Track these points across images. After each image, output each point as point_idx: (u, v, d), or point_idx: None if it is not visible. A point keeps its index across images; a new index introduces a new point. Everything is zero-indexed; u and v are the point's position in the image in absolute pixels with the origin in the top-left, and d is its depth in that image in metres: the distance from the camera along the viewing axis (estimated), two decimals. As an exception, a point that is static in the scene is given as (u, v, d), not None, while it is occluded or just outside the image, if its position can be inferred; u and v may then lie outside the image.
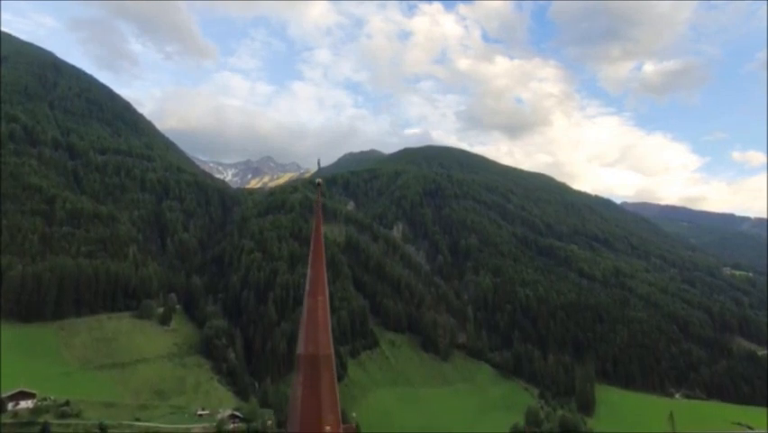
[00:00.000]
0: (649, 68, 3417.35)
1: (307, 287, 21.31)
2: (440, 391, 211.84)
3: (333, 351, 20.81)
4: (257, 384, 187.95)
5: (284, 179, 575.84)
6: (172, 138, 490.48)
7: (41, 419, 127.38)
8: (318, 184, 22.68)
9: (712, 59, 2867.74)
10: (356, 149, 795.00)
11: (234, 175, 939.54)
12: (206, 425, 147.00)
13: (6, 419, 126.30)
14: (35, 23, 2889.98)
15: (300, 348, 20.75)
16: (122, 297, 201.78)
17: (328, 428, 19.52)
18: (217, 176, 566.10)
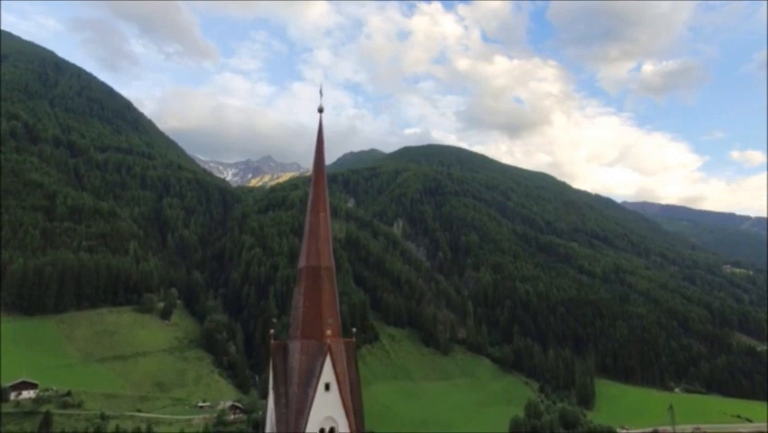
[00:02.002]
0: (648, 68, 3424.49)
1: (309, 205, 22.31)
2: (440, 385, 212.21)
3: (333, 264, 21.68)
4: (257, 377, 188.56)
5: (284, 178, 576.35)
6: (172, 138, 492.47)
7: (42, 409, 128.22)
8: (320, 110, 23.32)
9: (710, 60, 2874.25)
10: (356, 148, 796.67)
11: (235, 175, 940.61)
12: (207, 416, 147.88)
13: (9, 409, 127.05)
14: (37, 25, 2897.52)
15: (302, 261, 21.72)
16: (123, 291, 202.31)
17: (329, 332, 20.35)
18: (218, 175, 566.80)
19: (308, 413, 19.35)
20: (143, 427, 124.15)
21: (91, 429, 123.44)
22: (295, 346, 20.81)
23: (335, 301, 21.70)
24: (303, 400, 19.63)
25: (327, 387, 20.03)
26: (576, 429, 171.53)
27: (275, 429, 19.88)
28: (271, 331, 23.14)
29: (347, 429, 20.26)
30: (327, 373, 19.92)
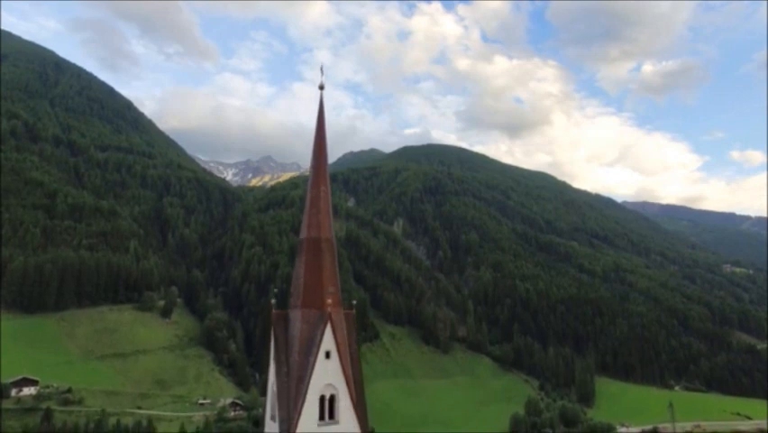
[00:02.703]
0: (648, 68, 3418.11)
1: (310, 179, 22.65)
2: (440, 383, 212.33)
3: (333, 236, 21.98)
4: (258, 375, 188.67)
5: (284, 178, 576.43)
6: (173, 138, 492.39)
7: (43, 406, 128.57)
8: (321, 87, 23.74)
9: (710, 60, 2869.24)
10: (356, 148, 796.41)
11: (235, 174, 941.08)
12: (208, 413, 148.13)
13: (10, 405, 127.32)
14: (38, 26, 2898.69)
15: (303, 233, 22.06)
16: (123, 289, 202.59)
17: (329, 301, 20.62)
18: (218, 175, 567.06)
19: (309, 380, 19.60)
20: (144, 423, 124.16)
21: (91, 426, 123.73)
22: (296, 315, 21.10)
23: (336, 272, 22.02)
24: (304, 368, 19.89)
25: (328, 355, 20.29)
26: (576, 427, 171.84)
27: (276, 398, 20.11)
28: (272, 300, 23.37)
29: (347, 397, 20.50)
30: (328, 341, 20.19)
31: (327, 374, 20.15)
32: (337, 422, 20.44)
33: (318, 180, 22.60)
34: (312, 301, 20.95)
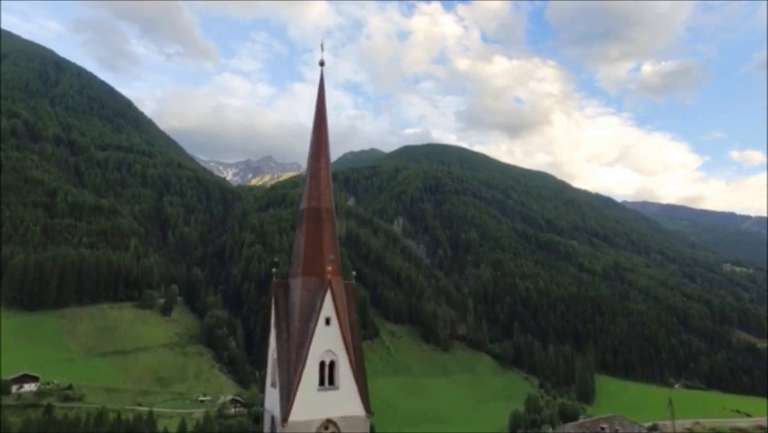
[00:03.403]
0: (647, 68, 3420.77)
1: (311, 151, 22.89)
2: (440, 381, 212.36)
3: (333, 207, 22.21)
4: (257, 373, 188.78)
5: (285, 177, 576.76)
6: (173, 138, 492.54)
7: (44, 402, 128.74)
8: (321, 63, 24.05)
9: (710, 60, 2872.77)
10: (356, 148, 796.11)
11: (235, 174, 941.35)
12: (208, 410, 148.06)
13: (11, 401, 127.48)
14: (39, 27, 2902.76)
15: (304, 203, 22.31)
16: (123, 287, 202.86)
17: (330, 268, 20.84)
18: (218, 175, 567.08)
19: (309, 346, 19.82)
20: (144, 418, 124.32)
21: (91, 422, 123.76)
22: (296, 283, 21.34)
23: (336, 242, 22.27)
24: (304, 334, 20.12)
25: (328, 321, 20.52)
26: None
27: (276, 364, 20.32)
28: (273, 269, 23.61)
29: (347, 364, 20.71)
30: (328, 308, 20.41)
31: (327, 340, 20.37)
32: (337, 388, 20.66)
33: (319, 152, 22.90)
34: (312, 269, 21.19)
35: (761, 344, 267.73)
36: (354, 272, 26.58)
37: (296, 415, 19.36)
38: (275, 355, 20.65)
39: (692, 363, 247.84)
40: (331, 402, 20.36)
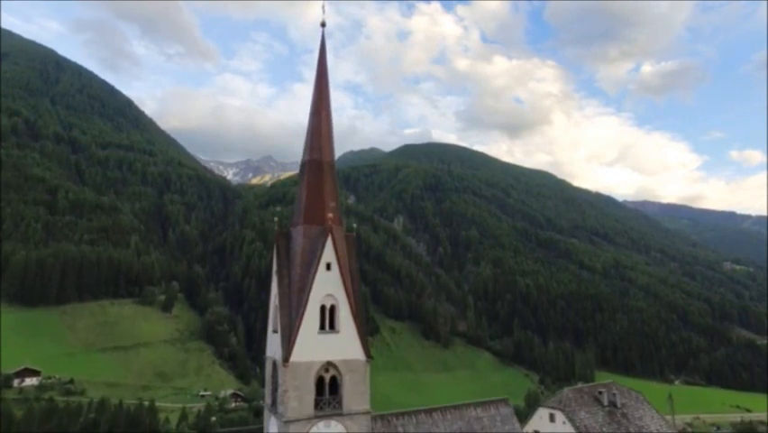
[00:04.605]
0: (647, 68, 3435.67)
1: (312, 106, 23.31)
2: (440, 377, 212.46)
3: (334, 160, 22.62)
4: (258, 369, 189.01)
5: (285, 177, 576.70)
6: (173, 137, 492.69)
7: (46, 396, 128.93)
8: (323, 24, 24.51)
9: (709, 60, 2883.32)
10: (356, 148, 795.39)
11: (235, 174, 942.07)
12: (209, 402, 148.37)
13: (13, 395, 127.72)
14: (40, 27, 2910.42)
15: (305, 156, 22.69)
16: (124, 284, 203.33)
17: (330, 215, 21.24)
18: (218, 174, 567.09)
19: (310, 290, 20.21)
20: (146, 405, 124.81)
21: (92, 415, 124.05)
22: (297, 232, 21.71)
23: (337, 192, 22.66)
24: (305, 279, 20.49)
25: (328, 267, 20.90)
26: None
27: (279, 312, 20.67)
28: (275, 219, 24.00)
29: (347, 308, 21.07)
30: (328, 254, 20.81)
31: (328, 285, 20.75)
32: (337, 332, 21.05)
33: (320, 108, 23.33)
34: (313, 217, 21.58)
35: (761, 341, 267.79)
36: (354, 225, 26.94)
37: (296, 356, 19.75)
38: (276, 302, 21.02)
39: (692, 359, 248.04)
40: (331, 345, 20.75)
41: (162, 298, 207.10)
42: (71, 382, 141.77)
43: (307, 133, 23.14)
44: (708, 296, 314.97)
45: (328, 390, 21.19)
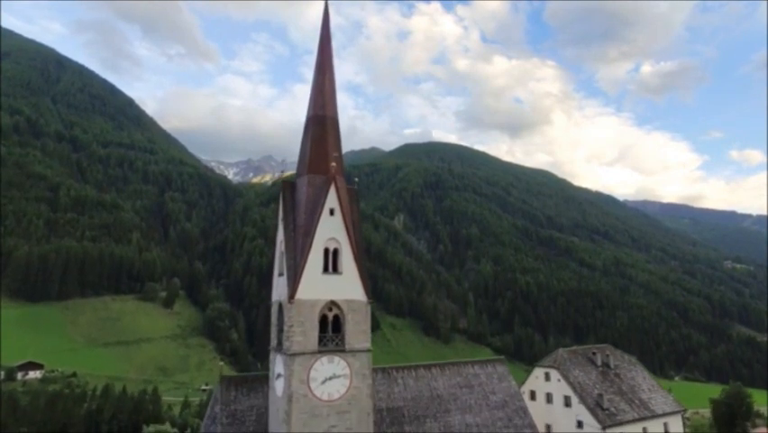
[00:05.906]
0: (646, 68, 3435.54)
1: (316, 65, 24.38)
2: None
3: (337, 116, 23.58)
4: (259, 365, 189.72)
5: (286, 176, 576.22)
6: (174, 137, 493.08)
7: (49, 388, 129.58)
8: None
9: (709, 60, 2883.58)
10: (357, 148, 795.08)
11: (236, 174, 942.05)
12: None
13: (16, 387, 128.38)
14: (42, 28, 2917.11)
15: (309, 112, 23.64)
16: (126, 280, 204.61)
17: (334, 164, 22.18)
18: (219, 173, 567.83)
19: (314, 233, 21.12)
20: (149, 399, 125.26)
21: (93, 407, 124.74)
22: (302, 181, 22.63)
23: (339, 147, 23.57)
24: (309, 224, 21.40)
25: (332, 212, 21.82)
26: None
27: (285, 257, 21.57)
28: (281, 171, 25.01)
29: (350, 252, 21.97)
30: (332, 200, 21.71)
31: (331, 229, 21.66)
32: (340, 273, 21.96)
33: (324, 67, 24.38)
34: (317, 167, 22.52)
35: (761, 337, 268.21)
36: (356, 179, 27.92)
37: (301, 294, 20.66)
38: (282, 247, 21.92)
39: (692, 356, 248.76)
40: (334, 286, 21.68)
41: (163, 294, 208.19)
42: (74, 375, 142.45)
43: (312, 91, 24.13)
44: (708, 293, 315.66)
45: (331, 328, 22.17)
